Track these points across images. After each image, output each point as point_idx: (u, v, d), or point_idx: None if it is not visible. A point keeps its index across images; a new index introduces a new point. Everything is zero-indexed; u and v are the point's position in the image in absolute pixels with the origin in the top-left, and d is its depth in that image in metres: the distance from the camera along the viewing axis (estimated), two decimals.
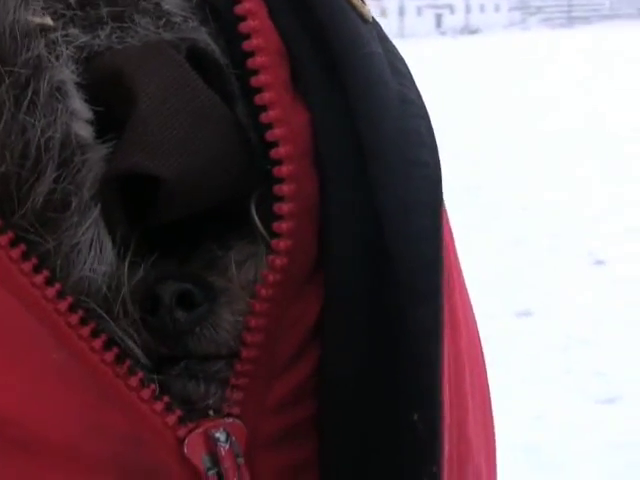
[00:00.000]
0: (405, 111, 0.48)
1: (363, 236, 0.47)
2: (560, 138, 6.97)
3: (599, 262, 4.60)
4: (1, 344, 0.43)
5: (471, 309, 0.61)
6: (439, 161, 0.49)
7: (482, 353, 0.63)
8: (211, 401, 0.48)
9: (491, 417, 0.63)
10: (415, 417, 0.47)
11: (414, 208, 0.47)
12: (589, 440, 2.89)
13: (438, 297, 0.47)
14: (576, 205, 5.31)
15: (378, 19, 0.54)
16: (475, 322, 0.62)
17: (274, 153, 0.47)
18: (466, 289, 0.61)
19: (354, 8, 0.50)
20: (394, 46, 0.53)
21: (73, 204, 0.46)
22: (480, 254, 4.38)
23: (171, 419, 0.46)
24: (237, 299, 0.49)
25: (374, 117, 0.47)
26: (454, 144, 6.10)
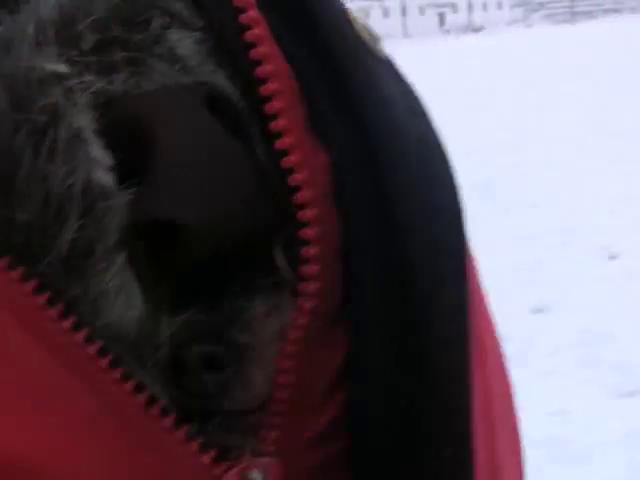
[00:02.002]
0: (425, 156, 0.49)
1: (388, 279, 0.47)
2: (568, 133, 6.94)
3: (612, 257, 4.59)
4: (32, 392, 0.43)
5: (491, 320, 0.61)
6: (460, 204, 0.49)
7: (504, 365, 0.63)
8: (247, 447, 0.48)
9: (517, 435, 0.63)
10: (447, 453, 0.47)
11: (439, 252, 0.47)
12: (609, 433, 2.89)
13: (466, 341, 0.48)
14: (587, 200, 5.29)
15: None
16: (495, 331, 0.62)
17: (297, 198, 0.47)
18: (486, 303, 0.61)
19: (367, 48, 0.50)
20: (408, 84, 0.53)
21: (97, 251, 0.45)
22: (491, 251, 4.38)
23: (206, 459, 0.46)
24: (264, 354, 0.49)
25: (395, 163, 0.47)
26: (462, 142, 6.08)
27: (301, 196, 0.47)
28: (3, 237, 0.45)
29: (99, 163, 0.46)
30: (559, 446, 2.84)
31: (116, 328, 0.46)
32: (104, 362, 0.45)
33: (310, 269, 0.47)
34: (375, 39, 0.51)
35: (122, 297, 0.46)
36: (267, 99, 0.48)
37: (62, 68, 0.46)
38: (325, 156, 0.48)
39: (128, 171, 0.47)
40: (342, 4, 0.51)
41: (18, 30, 0.46)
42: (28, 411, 0.43)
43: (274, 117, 0.48)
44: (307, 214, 0.47)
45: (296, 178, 0.47)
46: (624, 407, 3.09)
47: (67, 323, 0.44)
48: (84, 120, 0.46)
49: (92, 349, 0.45)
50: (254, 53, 0.48)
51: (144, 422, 0.45)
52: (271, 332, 0.49)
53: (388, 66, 0.52)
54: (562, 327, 3.78)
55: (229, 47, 0.49)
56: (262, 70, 0.48)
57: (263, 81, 0.48)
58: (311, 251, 0.47)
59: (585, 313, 3.88)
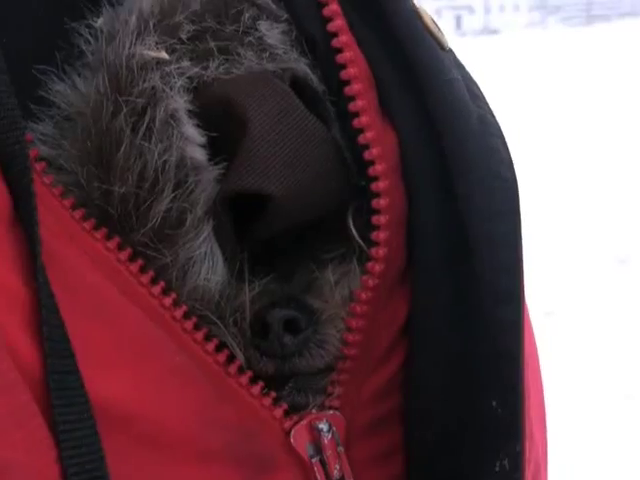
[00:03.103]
0: (485, 131, 0.53)
1: (447, 243, 0.52)
2: (582, 134, 6.95)
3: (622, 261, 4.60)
4: (129, 348, 0.48)
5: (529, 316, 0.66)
6: (516, 175, 0.54)
7: (537, 354, 0.68)
8: (317, 405, 0.54)
9: (544, 400, 0.68)
10: (494, 404, 0.52)
11: (496, 217, 0.52)
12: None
13: (518, 296, 0.52)
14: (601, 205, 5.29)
15: None
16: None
17: (371, 170, 0.52)
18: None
19: (434, 38, 0.55)
20: (468, 71, 0.58)
21: (188, 221, 0.51)
22: None
23: (278, 412, 0.51)
24: (336, 315, 0.54)
25: (460, 137, 0.52)
26: None
27: (375, 169, 0.52)
28: (101, 209, 0.50)
29: (192, 141, 0.51)
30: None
31: (201, 292, 0.52)
32: (189, 324, 0.50)
33: (380, 235, 0.53)
34: (440, 31, 0.56)
35: (207, 264, 0.52)
36: (346, 83, 0.53)
37: (163, 55, 0.51)
38: (394, 135, 0.53)
39: (219, 148, 0.52)
40: (411, 1, 0.56)
41: (120, 22, 0.52)
42: (126, 364, 0.48)
43: (352, 99, 0.53)
44: (380, 185, 0.52)
45: (372, 153, 0.53)
46: None
47: (157, 288, 0.50)
48: (179, 102, 0.51)
49: (179, 312, 0.50)
50: (335, 42, 0.53)
51: (223, 378, 0.51)
52: (341, 296, 0.54)
53: (451, 55, 0.57)
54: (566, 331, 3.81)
55: (312, 37, 0.54)
56: (343, 57, 0.53)
57: (343, 66, 0.53)
58: (382, 219, 0.52)
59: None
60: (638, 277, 4.31)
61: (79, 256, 0.48)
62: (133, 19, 0.51)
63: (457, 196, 0.51)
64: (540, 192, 5.03)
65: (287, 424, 0.52)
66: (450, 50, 0.57)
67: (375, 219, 0.53)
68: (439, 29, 0.56)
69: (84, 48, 0.52)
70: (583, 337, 3.65)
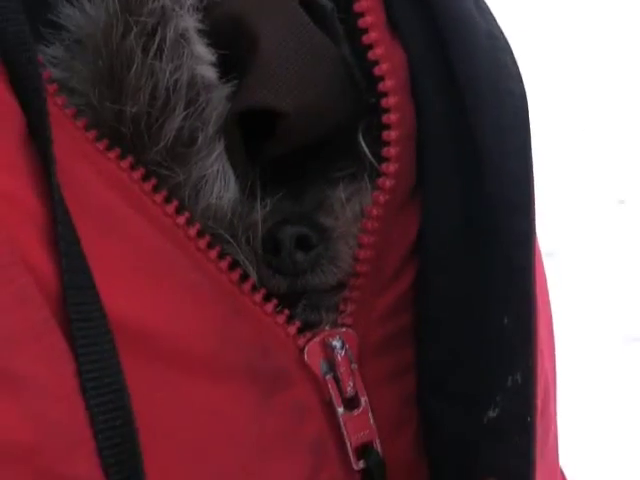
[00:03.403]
0: (493, 45, 0.54)
1: (457, 158, 0.53)
2: (580, 70, 6.85)
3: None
4: (145, 266, 0.49)
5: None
6: (525, 91, 0.54)
7: (547, 288, 0.68)
8: (330, 322, 0.54)
9: (554, 348, 0.68)
10: (505, 318, 0.52)
11: (507, 130, 0.52)
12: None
13: (530, 208, 0.52)
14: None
15: None
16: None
17: (381, 86, 0.53)
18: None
19: None
20: None
21: (200, 139, 0.51)
22: None
23: (292, 330, 0.52)
24: (348, 232, 0.54)
25: (468, 51, 0.52)
26: None
27: (385, 85, 0.53)
28: (114, 129, 0.50)
29: (203, 59, 0.51)
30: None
31: (214, 210, 0.52)
32: (203, 243, 0.50)
33: (391, 151, 0.53)
34: None
35: (220, 182, 0.52)
36: None
37: None
38: (402, 52, 0.54)
39: (230, 66, 0.52)
40: None
41: None
42: (141, 281, 0.48)
43: (361, 15, 0.53)
44: (390, 101, 0.53)
45: (381, 68, 0.53)
46: None
47: (171, 207, 0.50)
48: (189, 21, 0.51)
49: (193, 230, 0.50)
50: None
51: (237, 295, 0.51)
52: (352, 213, 0.55)
53: None
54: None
55: None
56: None
57: None
58: (392, 134, 0.53)
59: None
60: (638, 217, 4.31)
61: (93, 176, 0.48)
62: None
63: (467, 109, 0.52)
64: (538, 133, 5.00)
65: (301, 341, 0.52)
66: None
67: (386, 135, 0.53)
68: None
69: None
70: (585, 278, 3.65)
